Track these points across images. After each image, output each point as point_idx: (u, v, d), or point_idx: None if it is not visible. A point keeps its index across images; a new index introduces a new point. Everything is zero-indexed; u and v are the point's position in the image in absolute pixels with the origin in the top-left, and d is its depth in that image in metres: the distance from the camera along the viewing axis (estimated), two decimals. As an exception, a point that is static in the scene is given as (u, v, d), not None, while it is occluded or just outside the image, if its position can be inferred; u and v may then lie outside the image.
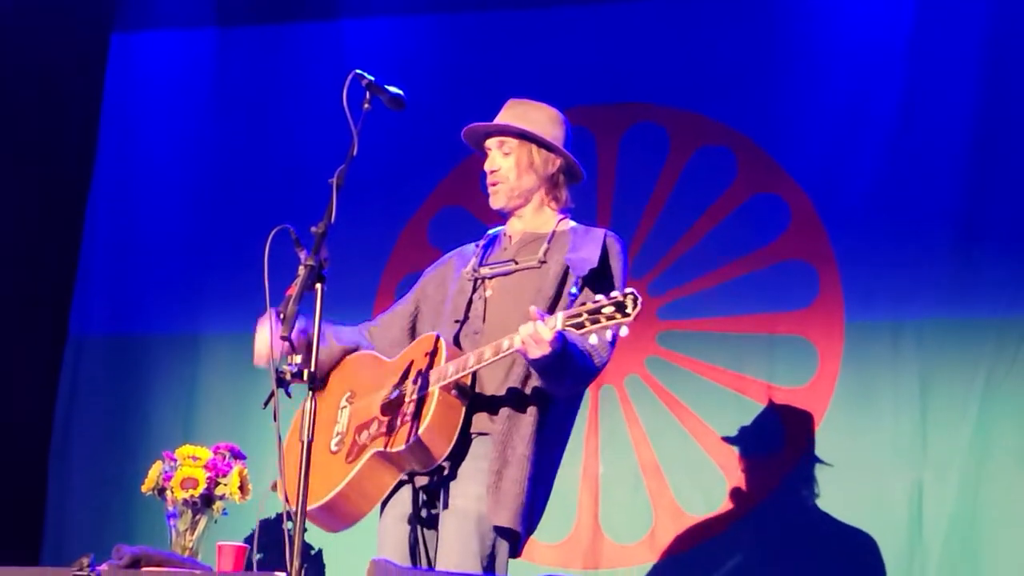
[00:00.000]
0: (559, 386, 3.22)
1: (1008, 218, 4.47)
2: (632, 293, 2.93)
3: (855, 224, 4.64)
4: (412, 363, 3.30)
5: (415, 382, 3.24)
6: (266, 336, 3.31)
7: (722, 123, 4.88)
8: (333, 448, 3.36)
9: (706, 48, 4.95)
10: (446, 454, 3.19)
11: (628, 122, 5.01)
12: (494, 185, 3.45)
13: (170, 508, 4.25)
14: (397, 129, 4.74)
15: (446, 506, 3.25)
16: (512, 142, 3.44)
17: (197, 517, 4.23)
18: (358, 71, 3.27)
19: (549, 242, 3.39)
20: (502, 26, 5.21)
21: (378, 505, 3.32)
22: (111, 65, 5.69)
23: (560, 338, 3.01)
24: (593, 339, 2.99)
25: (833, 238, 4.66)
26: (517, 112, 3.47)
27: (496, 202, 3.46)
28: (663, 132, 4.96)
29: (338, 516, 3.29)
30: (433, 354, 3.25)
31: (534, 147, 3.44)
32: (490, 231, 3.58)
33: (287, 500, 2.92)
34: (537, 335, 3.01)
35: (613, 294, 2.95)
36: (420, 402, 3.20)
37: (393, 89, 3.32)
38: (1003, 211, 4.48)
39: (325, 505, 3.25)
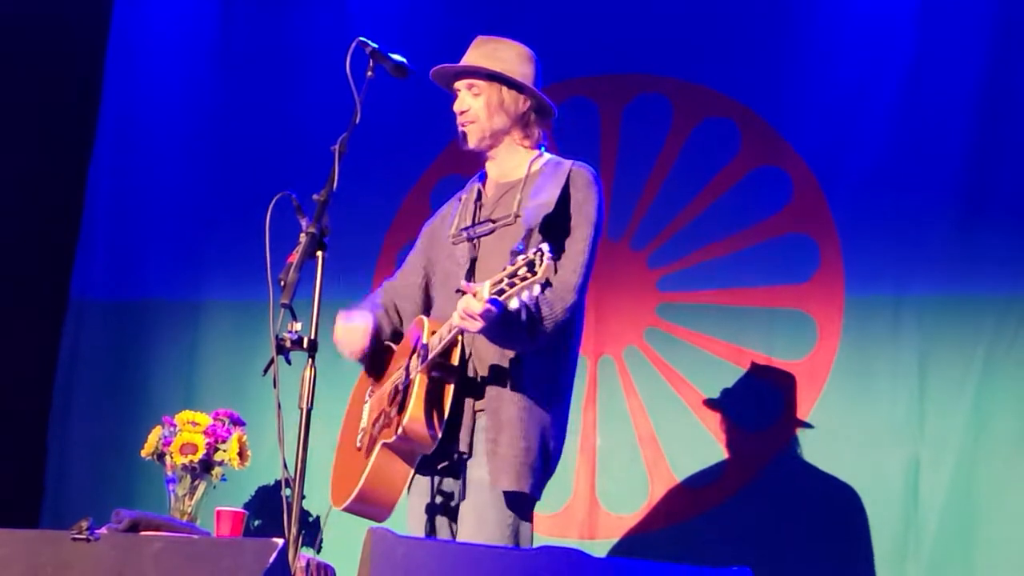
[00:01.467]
0: (518, 347, 3.22)
1: (1011, 197, 4.45)
2: (540, 250, 2.89)
3: (857, 199, 4.63)
4: (413, 347, 3.32)
5: (412, 368, 3.27)
6: (352, 327, 3.38)
7: (726, 95, 4.86)
8: (358, 444, 3.41)
9: (711, 19, 4.93)
10: (439, 435, 3.19)
11: (632, 93, 5.00)
12: (466, 125, 3.43)
13: (169, 473, 4.27)
14: (400, 97, 4.73)
15: (464, 485, 3.28)
16: (481, 82, 3.41)
17: (196, 482, 4.25)
18: (362, 38, 3.26)
19: (522, 191, 3.37)
20: (507, -6, 5.20)
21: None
22: (114, 28, 5.67)
23: (496, 306, 2.99)
24: (513, 303, 2.94)
25: (835, 212, 4.65)
26: (485, 51, 3.44)
27: (468, 142, 3.44)
28: (667, 103, 4.94)
29: (371, 507, 3.32)
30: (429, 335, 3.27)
31: (504, 87, 3.40)
32: (470, 186, 3.54)
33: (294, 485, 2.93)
34: (469, 309, 3.01)
35: (531, 252, 2.92)
36: (410, 389, 3.22)
37: (396, 57, 3.31)
38: (1006, 189, 4.47)
39: (354, 500, 3.31)
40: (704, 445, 4.62)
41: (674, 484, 4.64)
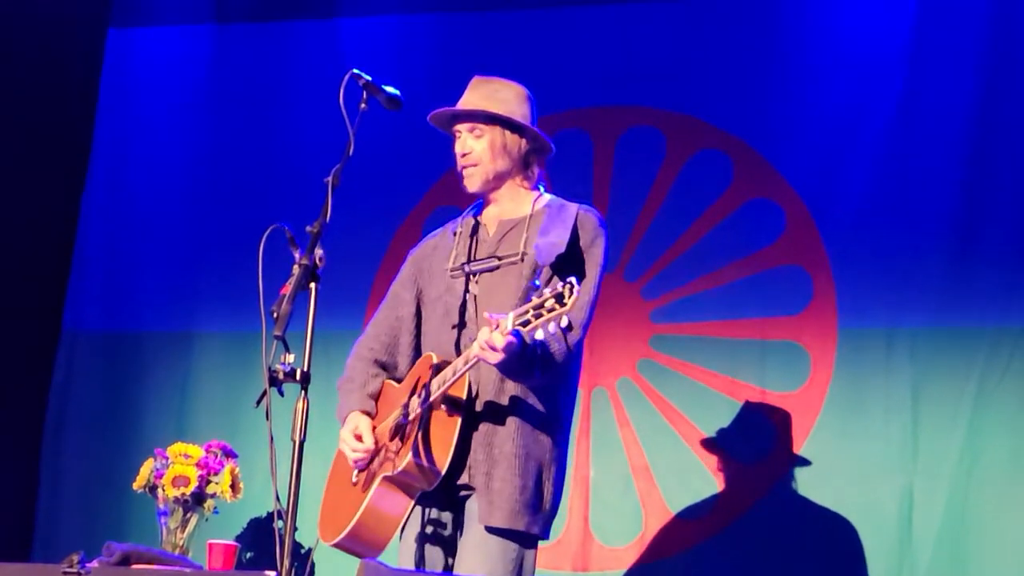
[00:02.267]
0: (529, 380, 3.22)
1: (1003, 228, 4.47)
2: (570, 283, 2.91)
3: (850, 230, 4.64)
4: (416, 384, 3.31)
5: (415, 404, 3.26)
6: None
7: (719, 127, 4.88)
8: (353, 480, 3.38)
9: (704, 51, 4.95)
10: (445, 468, 3.19)
11: (625, 125, 5.01)
12: (468, 167, 3.42)
13: (161, 506, 4.26)
14: (393, 128, 4.73)
15: (464, 517, 3.27)
16: (482, 124, 3.41)
17: (188, 515, 4.24)
18: (355, 71, 3.26)
19: (528, 229, 3.36)
20: (499, 27, 5.21)
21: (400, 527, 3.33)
22: (107, 61, 5.68)
23: (516, 336, 3.00)
24: (539, 334, 2.95)
25: (828, 244, 4.66)
26: (485, 92, 3.44)
27: (471, 185, 3.43)
28: (660, 135, 4.96)
29: (363, 544, 3.30)
30: (435, 372, 3.25)
31: (506, 130, 3.41)
32: (463, 219, 3.53)
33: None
34: (491, 341, 3.01)
35: (556, 284, 2.94)
36: (416, 423, 3.21)
37: (390, 89, 3.32)
38: (998, 221, 4.49)
39: (348, 535, 3.29)
40: (698, 477, 4.61)
41: (668, 516, 4.63)
